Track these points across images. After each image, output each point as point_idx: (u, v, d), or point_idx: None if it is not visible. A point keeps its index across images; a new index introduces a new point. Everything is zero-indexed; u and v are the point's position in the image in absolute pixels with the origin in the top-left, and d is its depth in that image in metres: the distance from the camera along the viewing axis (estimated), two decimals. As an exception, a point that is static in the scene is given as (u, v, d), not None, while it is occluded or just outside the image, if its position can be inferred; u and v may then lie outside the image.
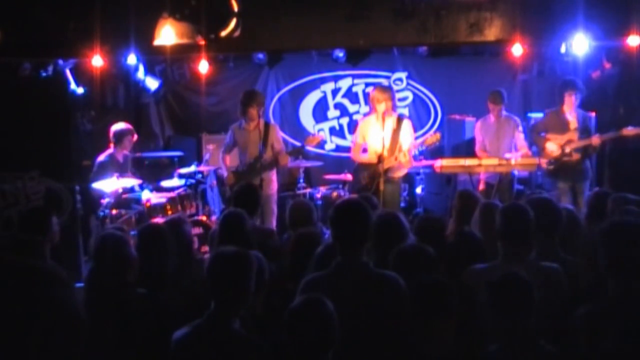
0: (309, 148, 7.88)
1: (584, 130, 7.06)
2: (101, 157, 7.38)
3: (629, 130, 6.86)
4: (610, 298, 2.98)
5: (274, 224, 6.94)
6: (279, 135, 7.26)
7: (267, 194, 6.81)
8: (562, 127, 7.09)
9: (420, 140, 6.85)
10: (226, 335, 2.95)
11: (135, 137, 7.61)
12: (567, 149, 7.03)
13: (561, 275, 3.44)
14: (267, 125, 7.12)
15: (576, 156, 7.03)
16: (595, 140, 6.93)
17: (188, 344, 2.98)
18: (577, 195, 7.06)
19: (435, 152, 8.94)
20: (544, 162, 7.13)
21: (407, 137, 6.71)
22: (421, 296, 2.99)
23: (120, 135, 7.39)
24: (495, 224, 3.62)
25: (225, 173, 7.22)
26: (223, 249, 3.15)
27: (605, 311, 2.95)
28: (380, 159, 6.59)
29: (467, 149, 8.35)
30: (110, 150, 7.41)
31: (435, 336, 2.87)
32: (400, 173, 6.83)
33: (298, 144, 9.03)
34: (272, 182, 7.17)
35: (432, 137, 6.77)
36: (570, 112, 7.09)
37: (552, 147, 7.11)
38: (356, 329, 2.97)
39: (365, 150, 6.92)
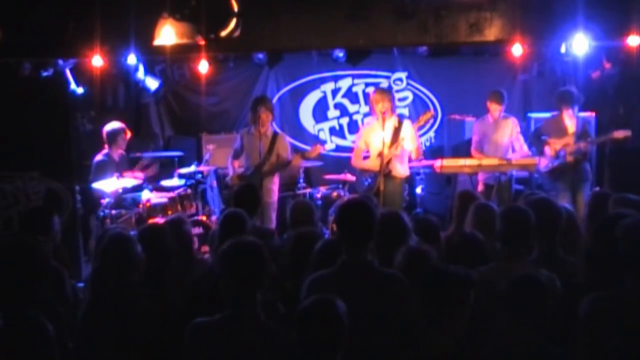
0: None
1: (582, 135, 7.23)
2: (98, 157, 7.41)
3: (619, 133, 7.08)
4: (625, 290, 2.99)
5: (272, 229, 6.93)
6: (286, 144, 7.24)
7: (266, 201, 6.80)
8: (560, 132, 7.25)
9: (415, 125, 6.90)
10: (255, 327, 2.92)
11: (129, 134, 7.60)
12: (563, 153, 7.16)
13: (556, 284, 3.40)
14: (275, 134, 7.16)
15: (570, 159, 7.16)
16: (586, 144, 7.19)
17: (214, 336, 2.93)
18: (576, 197, 7.16)
19: (436, 152, 8.93)
20: (542, 164, 7.26)
21: (410, 136, 6.67)
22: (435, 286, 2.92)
23: (113, 135, 7.42)
24: (488, 225, 3.61)
25: (231, 173, 7.25)
26: (238, 239, 3.10)
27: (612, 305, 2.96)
28: (380, 155, 6.57)
29: (467, 149, 8.33)
30: (106, 150, 7.43)
31: (441, 334, 2.85)
32: (403, 170, 6.79)
33: (299, 144, 9.10)
34: (273, 191, 7.16)
35: (424, 115, 6.90)
36: (569, 118, 7.24)
37: (549, 151, 7.25)
38: (361, 327, 2.96)
39: (366, 158, 6.92)
